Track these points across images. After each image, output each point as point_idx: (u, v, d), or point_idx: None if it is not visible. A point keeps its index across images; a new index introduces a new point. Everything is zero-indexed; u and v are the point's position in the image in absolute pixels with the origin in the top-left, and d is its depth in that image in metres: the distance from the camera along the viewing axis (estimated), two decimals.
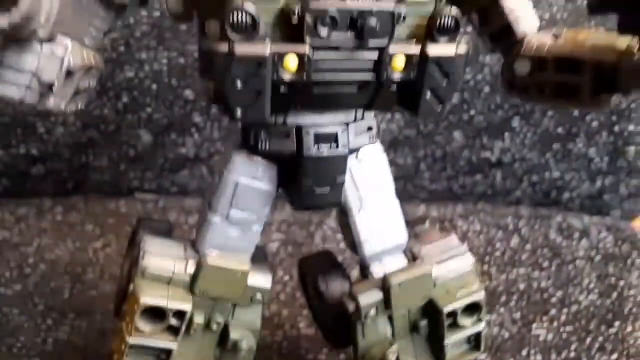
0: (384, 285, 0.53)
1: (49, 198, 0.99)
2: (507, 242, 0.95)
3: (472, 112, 1.01)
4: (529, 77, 0.49)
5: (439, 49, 0.43)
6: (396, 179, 1.07)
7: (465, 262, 0.55)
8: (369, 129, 0.51)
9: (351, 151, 0.50)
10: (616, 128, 1.02)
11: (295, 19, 0.40)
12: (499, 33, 0.51)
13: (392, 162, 1.06)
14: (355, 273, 0.56)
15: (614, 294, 0.83)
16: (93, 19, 0.44)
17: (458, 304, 0.54)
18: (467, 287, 0.55)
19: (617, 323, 0.77)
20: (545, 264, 0.89)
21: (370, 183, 0.53)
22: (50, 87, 0.38)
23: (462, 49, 0.44)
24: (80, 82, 0.43)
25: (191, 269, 0.51)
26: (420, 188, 1.10)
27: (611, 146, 1.04)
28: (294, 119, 0.47)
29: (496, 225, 0.99)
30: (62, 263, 0.85)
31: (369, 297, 0.53)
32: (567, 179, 1.08)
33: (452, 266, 0.55)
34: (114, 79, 0.94)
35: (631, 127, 1.02)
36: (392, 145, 1.04)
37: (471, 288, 0.55)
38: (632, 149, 1.04)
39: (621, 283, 0.85)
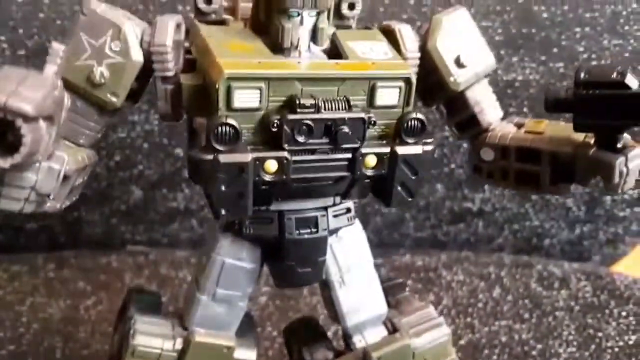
0: (365, 358, 0.56)
1: (41, 253, 1.01)
2: (490, 292, 0.97)
3: (453, 165, 1.05)
4: (493, 163, 0.53)
5: (407, 149, 0.47)
6: (382, 227, 1.10)
7: (442, 332, 0.58)
8: (348, 210, 0.54)
9: (331, 232, 0.53)
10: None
11: (274, 129, 0.44)
12: (465, 123, 0.55)
13: (378, 212, 1.10)
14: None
15: (593, 346, 0.86)
16: (88, 121, 0.48)
17: None
18: (444, 358, 0.57)
19: None
20: (526, 315, 0.92)
21: (350, 259, 0.56)
22: (47, 195, 0.41)
23: (429, 147, 0.48)
24: (75, 181, 0.46)
25: (179, 345, 0.54)
26: (405, 236, 1.13)
27: (587, 196, 1.08)
28: (275, 206, 0.50)
29: (479, 276, 1.02)
30: (54, 321, 0.87)
31: None
32: (546, 227, 1.12)
33: (430, 337, 0.57)
34: (107, 139, 0.97)
35: None
36: None
37: (448, 358, 0.57)
38: (608, 198, 1.08)
39: (599, 334, 0.88)
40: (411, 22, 0.93)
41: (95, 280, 0.96)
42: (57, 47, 0.42)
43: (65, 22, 0.90)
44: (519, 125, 0.54)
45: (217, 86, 0.43)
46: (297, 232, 0.51)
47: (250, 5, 0.53)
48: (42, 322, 0.86)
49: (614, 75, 0.44)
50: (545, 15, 0.96)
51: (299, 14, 0.46)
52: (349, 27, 0.55)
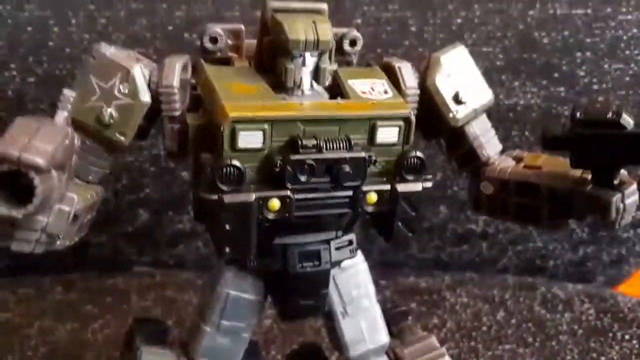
0: None
1: (49, 276, 1.03)
2: (494, 316, 0.97)
3: (455, 188, 1.06)
4: (493, 197, 0.54)
5: (407, 186, 0.48)
6: (387, 248, 1.11)
7: None
8: (350, 243, 0.55)
9: (333, 265, 0.54)
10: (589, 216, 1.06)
11: (277, 169, 0.45)
12: (465, 157, 0.56)
13: None
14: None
15: None
16: (97, 159, 0.49)
17: None
18: None
19: None
20: (530, 339, 0.92)
21: (352, 290, 0.57)
22: (57, 236, 0.42)
23: (429, 184, 0.49)
24: (84, 219, 0.47)
25: None
26: (410, 257, 1.13)
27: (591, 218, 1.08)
28: (278, 240, 0.51)
29: (483, 298, 1.02)
30: (62, 345, 0.88)
31: None
32: (550, 248, 1.12)
33: None
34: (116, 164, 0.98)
35: None
36: None
37: None
38: None
39: (602, 358, 0.88)
40: (413, 48, 0.96)
41: (102, 302, 0.97)
42: (68, 94, 0.44)
43: (74, 50, 0.92)
44: (518, 159, 0.55)
45: (222, 129, 0.44)
46: (300, 265, 0.51)
47: (255, 42, 0.54)
48: (50, 345, 0.87)
49: (610, 114, 0.45)
50: (545, 40, 0.97)
51: (301, 55, 0.48)
52: (350, 63, 0.57)
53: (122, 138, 0.48)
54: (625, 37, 0.99)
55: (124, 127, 0.48)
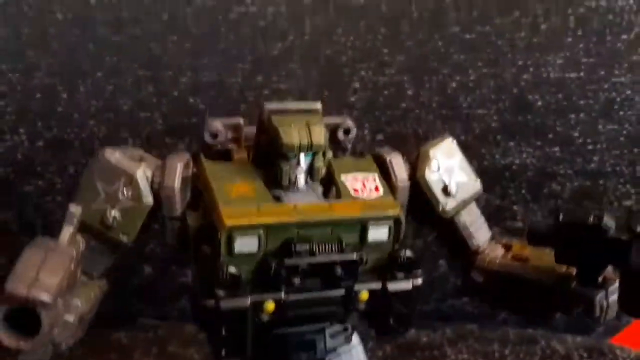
0: None
1: None
2: None
3: None
4: (483, 285, 0.56)
5: (398, 284, 0.50)
6: None
7: None
8: (345, 329, 0.57)
9: (328, 352, 0.56)
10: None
11: (272, 273, 0.47)
12: (456, 246, 0.58)
13: None
14: None
15: None
16: (101, 256, 0.51)
17: None
18: None
19: None
20: None
21: None
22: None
23: (419, 281, 0.51)
24: (87, 316, 0.49)
25: None
26: None
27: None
28: (274, 332, 0.53)
29: (483, 354, 1.02)
30: None
31: None
32: None
33: None
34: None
35: None
36: None
37: None
38: None
39: None
40: (409, 111, 0.98)
41: (106, 359, 0.99)
42: (74, 210, 0.46)
43: (82, 116, 0.95)
44: (507, 247, 0.57)
45: (219, 236, 0.46)
46: (296, 355, 0.53)
47: (254, 127, 0.57)
48: None
49: (591, 219, 0.46)
50: (539, 103, 0.99)
51: (296, 156, 0.50)
52: (345, 149, 0.59)
53: (125, 238, 0.50)
54: (618, 99, 1.01)
55: (127, 227, 0.50)
